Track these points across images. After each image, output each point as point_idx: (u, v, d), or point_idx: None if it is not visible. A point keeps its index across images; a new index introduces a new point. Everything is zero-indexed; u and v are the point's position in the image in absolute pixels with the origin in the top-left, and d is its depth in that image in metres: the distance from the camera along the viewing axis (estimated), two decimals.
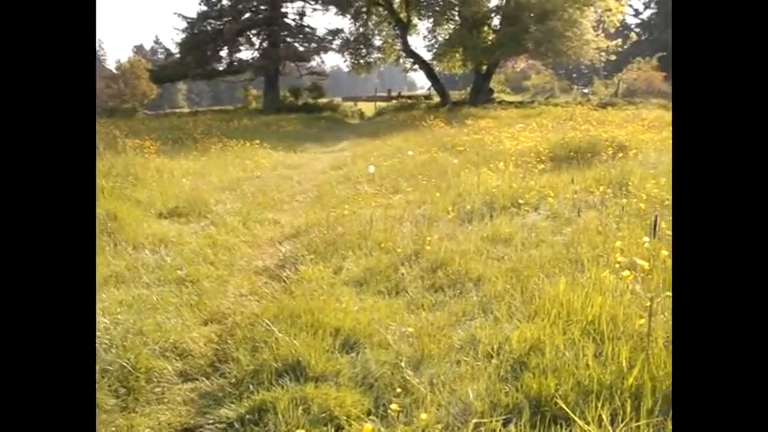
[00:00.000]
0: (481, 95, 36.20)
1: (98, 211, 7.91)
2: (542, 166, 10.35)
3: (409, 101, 43.29)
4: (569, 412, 3.16)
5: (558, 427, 3.15)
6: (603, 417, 3.10)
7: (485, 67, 37.14)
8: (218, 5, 42.02)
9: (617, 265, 4.88)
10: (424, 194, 9.21)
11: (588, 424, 3.07)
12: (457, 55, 38.03)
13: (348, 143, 20.36)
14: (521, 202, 8.06)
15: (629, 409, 3.18)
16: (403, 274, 5.78)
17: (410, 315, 4.89)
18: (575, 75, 60.29)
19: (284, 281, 5.93)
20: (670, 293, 4.04)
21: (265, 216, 9.17)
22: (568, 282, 4.99)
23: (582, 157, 11.36)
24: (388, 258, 6.24)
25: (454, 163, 11.74)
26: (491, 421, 3.22)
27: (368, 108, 43.67)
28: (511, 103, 35.65)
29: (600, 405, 3.21)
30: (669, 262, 4.77)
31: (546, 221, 7.38)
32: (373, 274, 5.87)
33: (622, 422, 3.07)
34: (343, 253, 6.58)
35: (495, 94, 40.02)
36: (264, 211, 9.54)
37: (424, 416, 3.28)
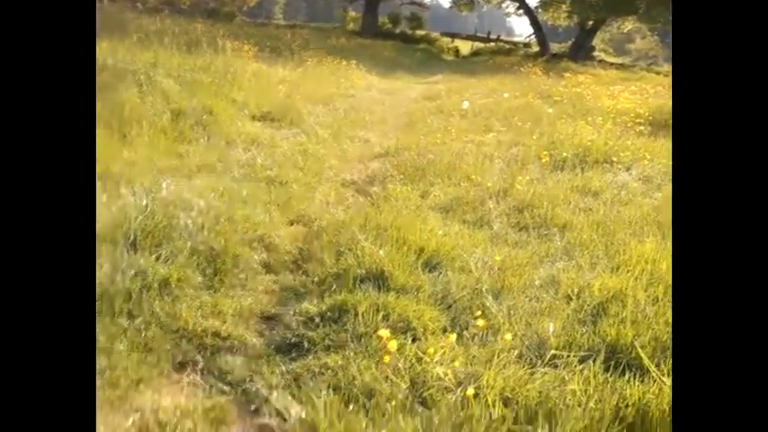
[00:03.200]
0: (581, 51, 35.19)
1: (194, 103, 8.07)
2: (641, 128, 10.07)
3: (507, 46, 42.43)
4: (646, 360, 3.14)
5: (632, 374, 3.13)
6: None
7: (590, 23, 36.01)
8: None
9: None
10: (517, 137, 9.09)
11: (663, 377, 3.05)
12: (564, 6, 36.92)
13: (442, 77, 20.13)
14: (614, 159, 7.89)
15: None
16: (489, 209, 5.77)
17: (493, 248, 4.88)
18: None
19: (371, 196, 5.98)
20: None
21: (356, 133, 9.22)
22: (656, 242, 4.93)
23: None
24: (476, 192, 6.22)
25: (549, 112, 11.52)
26: (568, 356, 3.23)
27: (464, 47, 42.94)
28: (611, 63, 34.55)
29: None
30: None
31: (637, 183, 7.22)
32: (460, 203, 5.88)
33: None
34: (431, 179, 6.58)
35: (595, 52, 38.85)
36: (355, 128, 9.59)
37: (508, 336, 3.31)
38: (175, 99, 8.21)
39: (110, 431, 2.54)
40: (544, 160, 7.62)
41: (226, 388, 2.97)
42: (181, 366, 3.12)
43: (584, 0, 33.36)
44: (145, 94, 7.96)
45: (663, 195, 6.57)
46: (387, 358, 2.99)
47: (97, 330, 3.08)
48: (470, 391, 2.81)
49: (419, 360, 3.13)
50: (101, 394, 2.72)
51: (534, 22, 39.38)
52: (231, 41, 14.75)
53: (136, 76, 8.48)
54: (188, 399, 2.85)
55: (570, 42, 39.43)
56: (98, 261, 3.58)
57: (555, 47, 40.62)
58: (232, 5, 41.96)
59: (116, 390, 2.80)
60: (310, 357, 3.22)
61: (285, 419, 2.71)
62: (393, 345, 2.98)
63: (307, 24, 48.56)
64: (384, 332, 3.07)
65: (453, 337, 3.17)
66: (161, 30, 13.90)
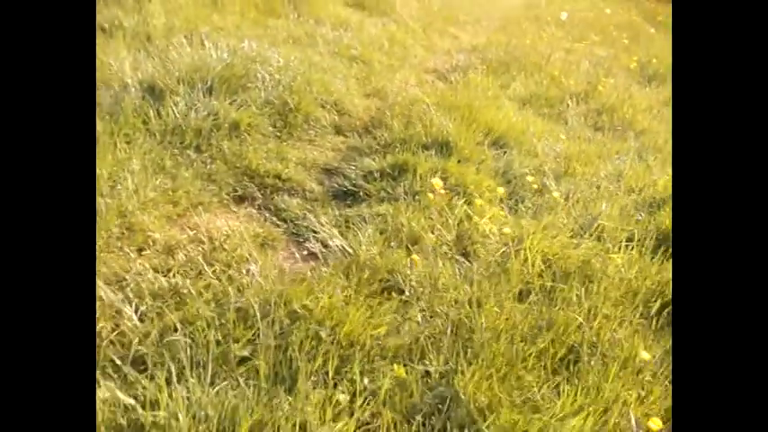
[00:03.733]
0: None
1: None
2: None
3: None
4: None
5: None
6: None
7: None
8: None
9: None
10: (611, 48, 8.84)
11: None
12: None
13: None
14: None
15: None
16: (568, 106, 5.69)
17: (564, 139, 4.85)
18: None
19: (451, 81, 5.97)
20: None
21: (446, 29, 9.10)
22: None
23: None
24: (557, 90, 6.13)
25: (651, 32, 11.11)
26: (617, 229, 3.25)
27: None
28: None
29: None
30: None
31: None
32: (539, 98, 5.82)
33: None
34: (514, 74, 6.50)
35: None
36: (447, 25, 9.45)
37: (556, 193, 3.34)
38: None
39: (165, 241, 2.70)
40: (633, 69, 7.41)
41: (279, 222, 3.10)
42: (240, 199, 3.27)
43: None
44: None
45: None
46: (431, 197, 3.07)
47: (164, 157, 3.26)
48: (512, 249, 2.87)
49: (469, 218, 3.19)
50: (162, 210, 2.89)
51: None
52: None
53: None
54: (241, 224, 2.99)
55: None
56: (173, 99, 3.74)
57: None
58: None
59: (176, 207, 2.97)
60: (363, 205, 3.31)
61: (330, 249, 2.83)
62: (439, 184, 3.06)
63: None
64: (437, 181, 3.13)
65: (501, 191, 3.21)
66: None
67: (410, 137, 4.12)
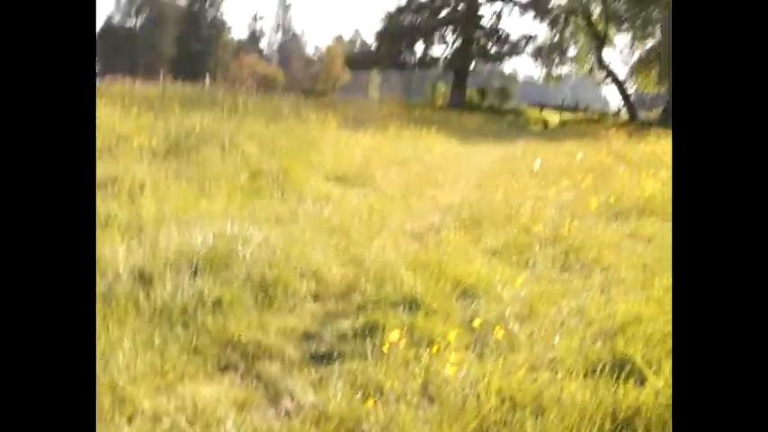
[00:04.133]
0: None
1: (271, 164, 8.74)
2: None
3: (596, 115, 42.51)
4: (641, 363, 3.40)
5: (633, 382, 3.38)
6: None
7: None
8: (417, 1, 43.12)
9: None
10: (581, 192, 9.36)
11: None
12: (652, 73, 36.98)
13: (523, 143, 20.49)
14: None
15: None
16: (536, 252, 6.07)
17: (530, 283, 5.19)
18: None
19: (425, 242, 6.38)
20: None
21: (425, 191, 9.67)
22: None
23: None
24: (527, 238, 6.53)
25: (621, 170, 11.72)
26: (574, 360, 3.53)
27: (553, 118, 43.28)
28: None
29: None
30: None
31: None
32: (508, 247, 6.21)
33: None
34: (486, 228, 6.93)
35: None
36: (425, 187, 10.04)
37: (519, 334, 3.63)
38: (255, 161, 8.92)
39: (153, 410, 2.99)
40: (601, 210, 7.87)
41: (259, 385, 3.40)
42: (224, 368, 3.57)
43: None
44: (226, 156, 8.71)
45: None
46: (386, 347, 3.38)
47: (152, 335, 3.60)
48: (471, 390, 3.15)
49: (432, 366, 3.48)
50: (151, 382, 3.19)
51: (622, 91, 39.45)
52: (317, 113, 15.59)
53: (220, 140, 9.25)
54: (224, 390, 3.29)
55: (662, 108, 39.22)
56: (161, 282, 4.13)
57: (647, 114, 40.46)
58: (326, 84, 43.84)
59: (164, 379, 3.28)
60: (337, 364, 3.61)
61: (302, 405, 3.11)
62: (395, 335, 3.38)
63: (399, 100, 49.97)
64: (394, 335, 3.45)
65: (465, 338, 3.51)
66: (252, 104, 14.87)
67: (382, 297, 4.46)
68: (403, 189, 9.53)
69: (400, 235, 6.85)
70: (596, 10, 38.69)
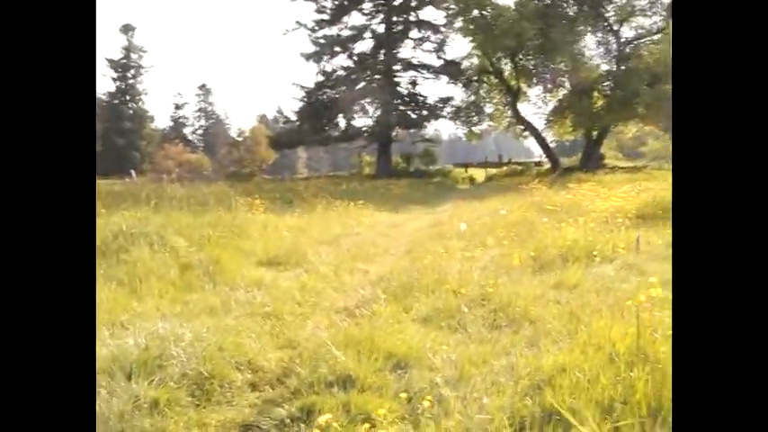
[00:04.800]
0: (592, 161, 36.18)
1: (201, 255, 8.81)
2: (627, 222, 10.63)
3: (520, 167, 43.64)
4: (569, 417, 3.57)
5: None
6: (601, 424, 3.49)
7: (595, 133, 37.22)
8: (334, 75, 43.97)
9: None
10: (506, 248, 9.64)
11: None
12: (567, 121, 38.33)
13: (450, 205, 20.90)
14: (595, 253, 8.38)
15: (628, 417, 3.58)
16: (465, 314, 6.26)
17: (461, 346, 5.36)
18: None
19: (357, 317, 6.51)
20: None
21: (356, 266, 9.80)
22: (614, 318, 5.37)
23: (670, 214, 11.47)
24: (456, 301, 6.72)
25: (544, 221, 12.09)
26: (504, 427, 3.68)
27: (479, 174, 44.25)
28: (623, 168, 35.45)
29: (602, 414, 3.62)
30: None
31: (616, 272, 7.69)
32: (439, 312, 6.38)
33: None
34: (416, 295, 7.11)
35: (606, 160, 39.84)
36: (356, 262, 10.18)
37: (450, 399, 3.77)
38: (184, 254, 8.97)
39: None
40: (527, 264, 8.14)
41: None
42: None
43: (584, 112, 34.66)
44: (155, 252, 8.73)
45: (638, 280, 7.02)
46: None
47: None
48: None
49: None
50: None
51: (541, 141, 40.68)
52: (245, 198, 15.70)
53: (148, 237, 9.29)
54: None
55: (580, 155, 40.54)
56: (97, 389, 4.15)
57: (566, 161, 41.77)
58: (252, 166, 44.07)
59: None
60: None
61: None
62: (323, 419, 3.50)
63: (325, 174, 50.51)
64: (322, 417, 3.57)
65: (398, 410, 3.62)
66: (179, 195, 14.90)
67: (317, 379, 4.57)
68: (334, 266, 9.66)
69: (333, 313, 6.96)
70: (507, 67, 40.05)
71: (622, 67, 35.20)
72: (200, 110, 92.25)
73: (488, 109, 43.69)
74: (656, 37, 35.96)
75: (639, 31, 37.51)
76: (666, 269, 7.39)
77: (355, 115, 44.67)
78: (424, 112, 44.28)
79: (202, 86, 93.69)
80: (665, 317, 5.01)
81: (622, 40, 37.26)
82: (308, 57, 43.44)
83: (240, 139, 47.01)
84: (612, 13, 37.31)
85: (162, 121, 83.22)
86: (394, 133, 44.44)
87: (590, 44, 38.39)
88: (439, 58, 44.10)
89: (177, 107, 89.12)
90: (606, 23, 37.45)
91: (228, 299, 7.30)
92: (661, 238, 9.11)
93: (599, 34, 38.05)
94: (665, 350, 4.40)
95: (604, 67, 37.90)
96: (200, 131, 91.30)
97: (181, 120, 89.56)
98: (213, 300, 7.20)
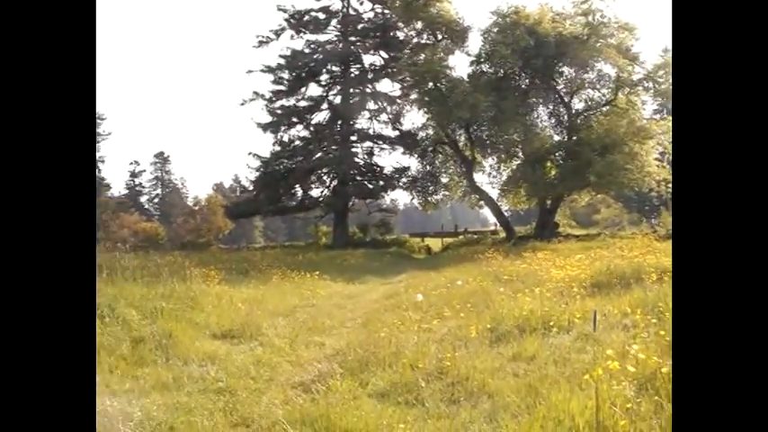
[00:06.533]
0: (546, 230, 36.54)
1: (154, 328, 8.62)
2: (583, 291, 10.72)
3: (476, 236, 43.91)
4: None
5: None
6: None
7: (549, 202, 37.76)
8: (291, 146, 44.12)
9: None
10: (462, 319, 9.62)
11: None
12: (521, 190, 38.85)
13: (406, 275, 20.91)
14: (551, 324, 8.39)
15: None
16: (422, 387, 6.19)
17: (421, 422, 5.28)
18: (647, 207, 60.22)
19: (313, 393, 6.39)
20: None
21: (312, 339, 9.69)
22: (573, 391, 5.35)
23: (625, 282, 11.58)
24: (413, 374, 6.65)
25: (500, 291, 12.12)
26: None
27: (435, 243, 44.42)
28: (577, 236, 35.84)
29: None
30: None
31: (573, 342, 7.69)
32: (396, 387, 6.30)
33: None
34: (373, 370, 7.02)
35: (560, 228, 40.30)
36: (312, 335, 10.06)
37: None
38: (136, 327, 8.77)
39: None
40: (484, 336, 8.11)
41: None
42: None
43: (537, 182, 35.21)
44: (106, 326, 8.52)
45: (595, 350, 7.02)
46: None
47: None
48: None
49: None
50: None
51: (496, 211, 41.14)
52: (199, 269, 15.51)
53: (99, 309, 9.07)
54: None
55: (534, 223, 40.98)
56: None
57: (522, 229, 42.15)
58: (208, 235, 43.67)
59: None
60: None
61: None
62: None
63: (282, 244, 50.28)
64: None
65: None
66: (133, 265, 14.64)
67: None
68: (290, 339, 9.53)
69: (289, 388, 6.84)
70: (462, 137, 40.63)
71: (574, 138, 36.00)
72: (156, 178, 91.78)
73: (444, 179, 44.13)
74: (604, 108, 36.98)
75: (589, 102, 38.54)
76: (623, 339, 7.43)
77: (312, 185, 44.74)
78: (381, 183, 44.51)
79: (159, 154, 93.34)
80: (624, 389, 5.04)
81: (573, 111, 38.21)
82: (265, 127, 43.58)
83: (196, 208, 46.60)
84: (563, 85, 38.34)
85: (118, 189, 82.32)
86: (351, 203, 44.57)
87: (542, 115, 39.35)
88: (395, 128, 44.61)
89: (133, 175, 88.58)
90: (557, 95, 38.39)
91: (181, 374, 7.14)
92: (616, 308, 9.15)
93: (550, 106, 38.98)
94: (623, 423, 4.40)
95: (556, 138, 38.68)
96: (156, 200, 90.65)
97: (137, 188, 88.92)
98: (165, 375, 7.03)
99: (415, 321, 10.01)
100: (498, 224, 43.84)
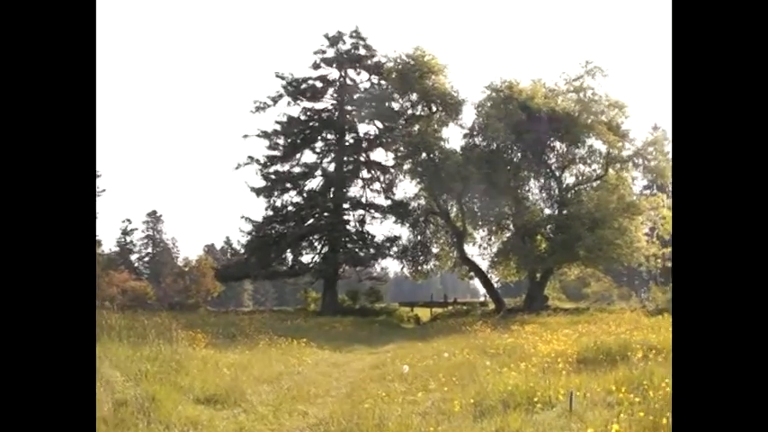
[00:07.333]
0: (536, 303, 36.58)
1: (137, 391, 8.58)
2: (569, 366, 10.75)
3: (465, 307, 43.81)
4: None
5: None
6: None
7: (539, 275, 37.89)
8: (284, 211, 44.28)
9: None
10: (448, 393, 9.62)
11: None
12: (511, 263, 39.04)
13: (394, 345, 20.82)
14: (536, 400, 8.41)
15: None
16: None
17: None
18: (636, 281, 60.39)
19: None
20: None
21: (296, 407, 9.65)
22: None
23: (611, 359, 11.60)
24: None
25: (486, 365, 12.13)
26: None
27: (425, 313, 44.26)
28: (566, 310, 35.81)
29: None
30: None
31: (557, 419, 7.71)
32: None
33: None
34: None
35: (550, 301, 40.33)
36: (296, 403, 10.02)
37: None
38: (119, 389, 8.73)
39: None
40: (468, 410, 8.12)
41: None
42: None
43: (528, 255, 35.42)
44: None
45: (578, 427, 7.04)
46: None
47: None
48: None
49: None
50: None
51: (486, 282, 41.21)
52: (186, 331, 15.46)
53: None
54: None
55: (524, 296, 41.02)
56: None
57: (512, 301, 42.15)
58: (197, 297, 43.48)
59: None
60: None
61: None
62: None
63: (270, 309, 50.01)
64: None
65: None
66: (120, 325, 14.58)
67: None
68: (274, 406, 9.50)
69: None
70: (453, 209, 40.96)
71: (564, 212, 36.40)
72: (148, 237, 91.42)
73: (435, 249, 44.28)
74: (595, 183, 37.50)
75: (580, 177, 39.08)
76: (606, 416, 7.46)
77: (303, 251, 44.71)
78: (372, 251, 44.52)
79: (152, 213, 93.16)
80: None
81: (564, 185, 38.73)
82: (258, 191, 43.79)
83: (186, 269, 46.50)
84: (554, 160, 38.97)
85: (109, 246, 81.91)
86: (341, 270, 44.53)
87: (533, 189, 39.87)
88: (387, 198, 44.88)
89: (125, 233, 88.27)
90: (548, 170, 38.95)
91: None
92: (600, 386, 9.17)
93: (542, 180, 39.51)
94: None
95: (547, 211, 39.14)
96: (146, 258, 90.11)
97: (128, 246, 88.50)
98: None
99: (400, 393, 10.01)
100: (487, 296, 43.83)
